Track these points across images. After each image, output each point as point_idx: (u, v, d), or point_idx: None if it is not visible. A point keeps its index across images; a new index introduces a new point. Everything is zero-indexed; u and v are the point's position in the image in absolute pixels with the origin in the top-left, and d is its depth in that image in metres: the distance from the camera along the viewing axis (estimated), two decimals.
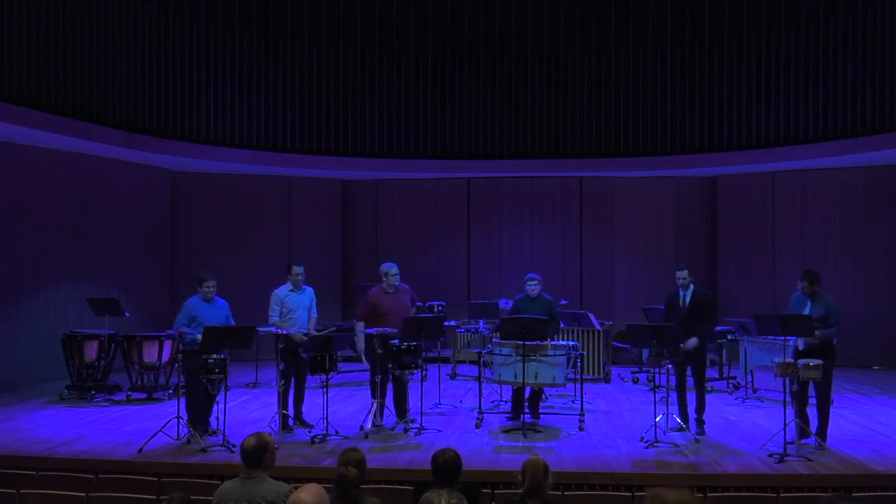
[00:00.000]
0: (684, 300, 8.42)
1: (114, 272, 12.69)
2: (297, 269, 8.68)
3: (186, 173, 14.13)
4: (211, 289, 8.36)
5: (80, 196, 12.35)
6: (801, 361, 7.44)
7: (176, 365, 8.51)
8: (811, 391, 7.79)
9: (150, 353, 10.17)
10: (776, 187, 14.11)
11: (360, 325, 8.73)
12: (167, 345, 10.17)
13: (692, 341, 8.13)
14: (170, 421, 7.80)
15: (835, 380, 8.26)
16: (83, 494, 6.04)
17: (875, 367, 13.06)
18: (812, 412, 7.77)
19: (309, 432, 8.10)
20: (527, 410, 8.49)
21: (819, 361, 7.45)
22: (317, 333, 8.63)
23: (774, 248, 14.01)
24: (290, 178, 14.66)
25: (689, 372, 8.41)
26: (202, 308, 8.29)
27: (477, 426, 8.52)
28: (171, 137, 12.72)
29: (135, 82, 12.28)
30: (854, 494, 6.24)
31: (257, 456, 4.59)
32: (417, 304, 9.33)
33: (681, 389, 8.34)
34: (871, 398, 10.42)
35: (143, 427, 8.27)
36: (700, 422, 8.25)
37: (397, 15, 14.30)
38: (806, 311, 7.73)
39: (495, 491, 6.24)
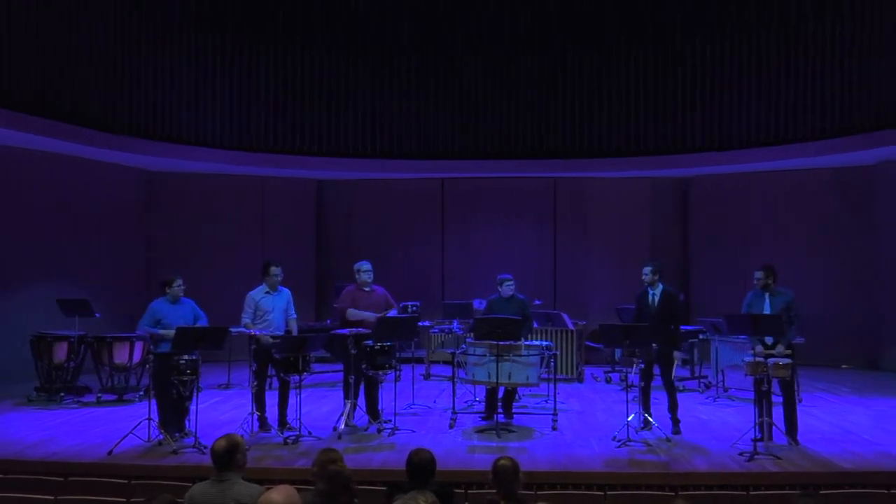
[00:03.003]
0: (653, 299, 8.49)
1: (86, 272, 12.53)
2: (275, 270, 8.60)
3: (161, 173, 14.00)
4: (180, 288, 8.28)
5: (53, 196, 12.20)
6: (771, 360, 7.54)
7: (147, 366, 8.43)
8: (776, 390, 7.87)
9: (120, 355, 10.05)
10: (748, 188, 14.25)
11: (353, 311, 8.64)
12: (138, 346, 10.06)
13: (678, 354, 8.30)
14: (140, 423, 7.71)
15: (805, 378, 8.38)
16: (52, 497, 5.97)
17: (844, 367, 13.24)
18: (779, 411, 7.86)
19: (281, 433, 8.07)
20: (500, 410, 8.52)
21: (788, 361, 7.56)
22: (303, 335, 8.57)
23: (747, 249, 14.12)
24: (265, 178, 14.58)
25: (657, 371, 8.50)
26: (168, 309, 8.21)
27: (451, 426, 8.52)
28: (146, 137, 12.60)
29: (108, 82, 12.15)
30: (823, 492, 6.30)
31: (227, 458, 4.56)
32: (394, 304, 9.30)
33: (646, 389, 8.41)
34: (840, 397, 10.55)
35: (113, 429, 8.17)
36: (675, 420, 8.33)
37: (372, 16, 14.26)
38: (766, 308, 7.85)
39: (469, 491, 6.25)
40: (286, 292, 8.76)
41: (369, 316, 8.54)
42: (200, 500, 4.47)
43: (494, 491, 4.61)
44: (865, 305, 13.46)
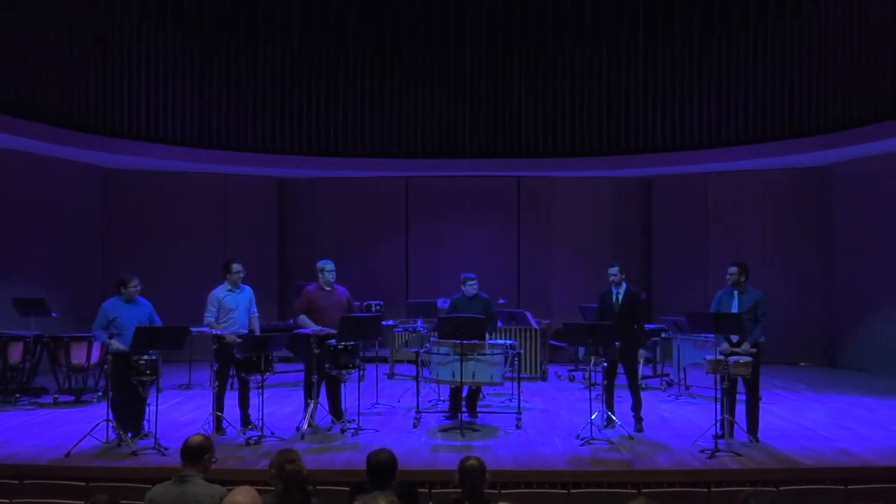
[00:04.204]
0: (617, 298, 8.55)
1: (41, 271, 12.23)
2: (237, 267, 8.51)
3: (119, 170, 13.76)
4: (136, 288, 8.15)
5: (6, 193, 11.89)
6: (732, 359, 7.64)
7: (105, 367, 8.30)
8: (740, 388, 7.97)
9: (78, 355, 9.87)
10: (708, 188, 14.41)
11: (303, 318, 8.60)
12: (96, 346, 9.84)
13: (642, 352, 8.39)
14: (99, 424, 7.58)
15: (764, 376, 8.49)
16: (7, 501, 5.86)
17: (802, 364, 13.43)
18: (741, 408, 7.95)
19: (244, 433, 7.99)
20: (464, 409, 8.52)
21: (749, 359, 7.66)
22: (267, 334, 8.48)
23: (707, 248, 14.29)
24: (226, 175, 14.41)
25: (620, 370, 8.56)
26: (122, 309, 8.07)
27: (415, 426, 8.50)
28: (103, 134, 12.36)
29: (65, 77, 11.91)
30: (782, 489, 6.39)
31: (199, 454, 4.54)
32: (355, 304, 9.26)
33: (609, 387, 8.46)
34: (798, 394, 10.71)
35: (70, 430, 8.03)
36: (638, 419, 8.41)
37: (335, 11, 14.15)
38: (735, 307, 7.93)
39: (433, 490, 6.22)
40: (248, 290, 8.67)
41: (319, 330, 8.43)
42: (161, 501, 4.41)
43: (459, 490, 4.59)
44: (822, 304, 13.69)
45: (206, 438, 4.68)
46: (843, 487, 6.46)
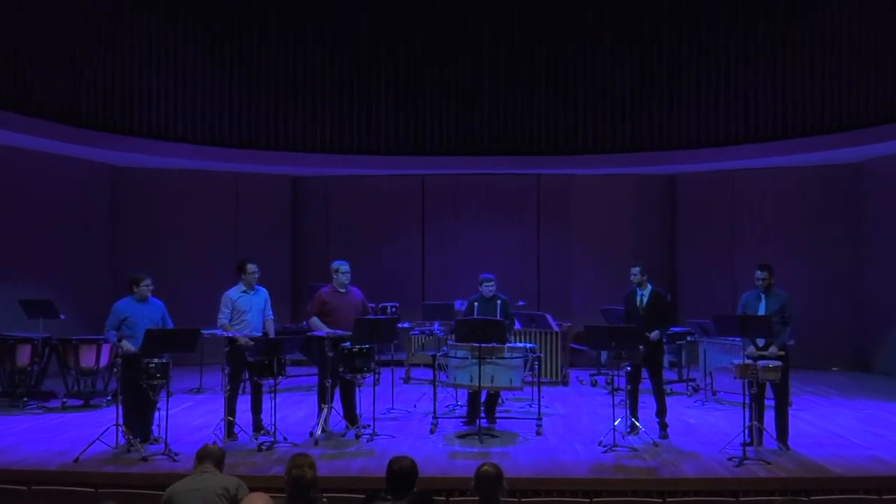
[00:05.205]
0: (642, 300, 8.36)
1: (49, 272, 12.11)
2: (252, 267, 8.36)
3: (128, 169, 13.67)
4: (148, 287, 8.02)
5: (14, 192, 11.78)
6: (761, 363, 7.43)
7: (115, 370, 8.19)
8: (769, 393, 7.74)
9: (87, 358, 9.75)
10: (734, 186, 14.10)
11: (315, 320, 8.44)
12: (105, 349, 9.73)
13: (655, 333, 8.09)
14: (108, 429, 7.46)
15: (794, 381, 8.28)
16: None
17: (834, 369, 13.09)
18: (770, 415, 7.72)
19: (256, 438, 7.85)
20: (483, 415, 8.35)
21: (778, 363, 7.46)
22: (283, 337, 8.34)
23: (734, 248, 13.99)
24: (238, 174, 14.27)
25: (645, 375, 8.33)
26: (134, 308, 7.93)
27: (431, 431, 8.33)
28: (113, 132, 12.24)
29: (74, 74, 11.80)
30: (813, 498, 6.16)
31: (221, 459, 4.88)
32: (370, 306, 9.08)
33: (634, 391, 8.26)
34: (828, 399, 10.47)
35: (79, 435, 7.89)
36: (663, 425, 8.22)
37: (350, 9, 13.98)
38: (762, 309, 7.73)
39: (450, 499, 6.05)
40: (263, 292, 8.52)
41: (333, 333, 8.25)
42: (182, 491, 4.57)
43: (476, 498, 4.43)
44: (855, 306, 13.36)
45: (222, 450, 5.04)
46: (876, 497, 6.28)
